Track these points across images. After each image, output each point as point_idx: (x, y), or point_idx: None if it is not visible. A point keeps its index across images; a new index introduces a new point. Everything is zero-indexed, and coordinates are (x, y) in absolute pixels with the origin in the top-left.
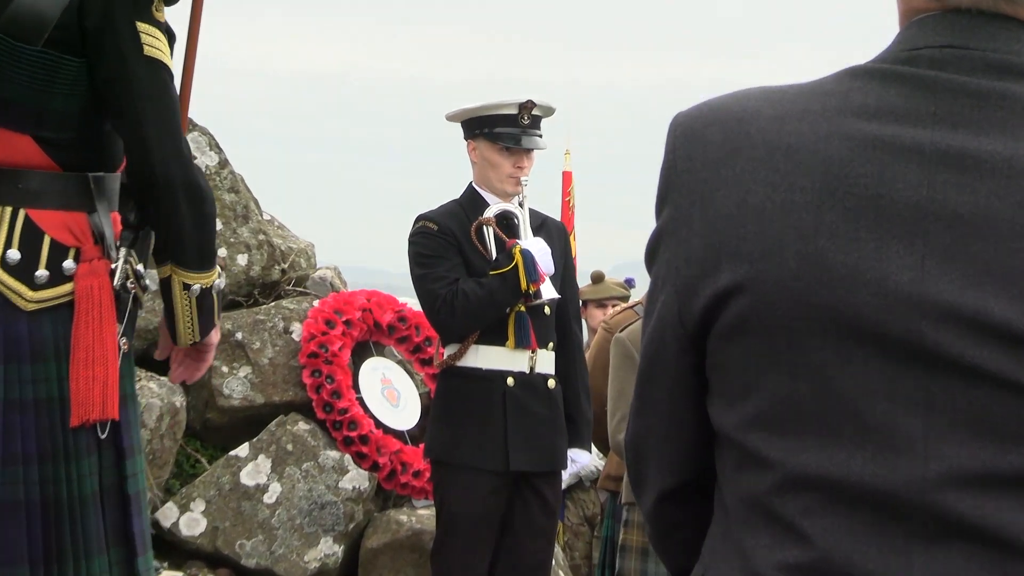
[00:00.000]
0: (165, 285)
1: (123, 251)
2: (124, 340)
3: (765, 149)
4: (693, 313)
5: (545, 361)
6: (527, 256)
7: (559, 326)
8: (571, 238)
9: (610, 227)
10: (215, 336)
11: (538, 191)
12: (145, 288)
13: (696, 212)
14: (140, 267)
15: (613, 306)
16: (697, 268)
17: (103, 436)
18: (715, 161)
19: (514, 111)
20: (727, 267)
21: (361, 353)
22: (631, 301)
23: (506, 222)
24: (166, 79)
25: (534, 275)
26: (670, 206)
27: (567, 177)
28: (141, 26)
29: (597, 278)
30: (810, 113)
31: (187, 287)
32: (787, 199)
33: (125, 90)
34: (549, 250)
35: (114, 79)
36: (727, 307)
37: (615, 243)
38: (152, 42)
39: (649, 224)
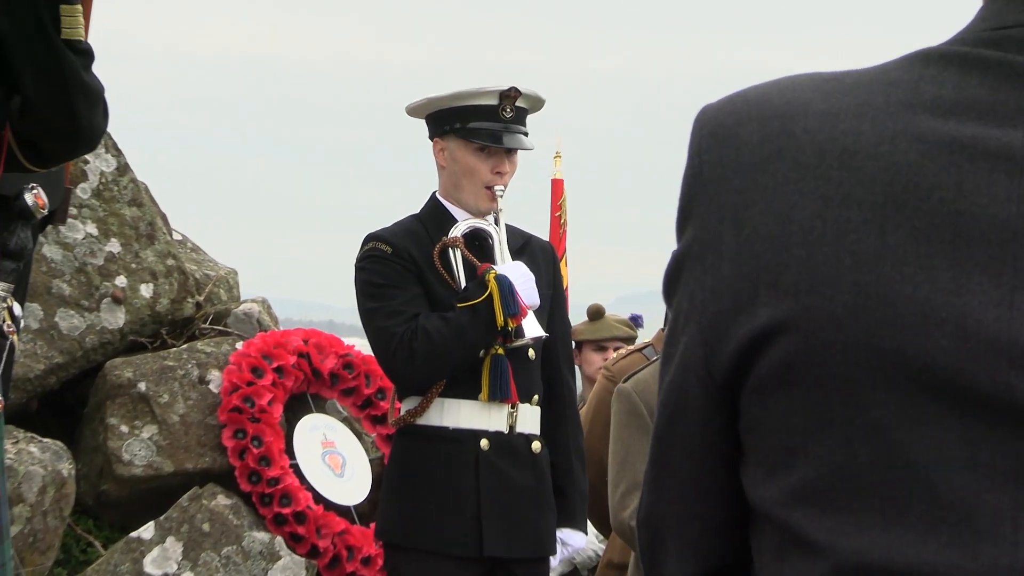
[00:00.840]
0: None
1: (2, 286)
2: None
3: (814, 153)
4: (723, 359)
5: (529, 418)
6: (504, 284)
7: (546, 374)
8: (562, 263)
9: (612, 249)
10: None
11: (520, 203)
12: (19, 328)
13: (727, 231)
14: (17, 307)
15: (615, 349)
16: (728, 302)
17: None
18: (751, 167)
19: (494, 101)
20: (766, 301)
21: (297, 408)
22: (638, 343)
23: (478, 243)
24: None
25: (514, 308)
26: (694, 223)
27: (557, 186)
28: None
29: (595, 314)
30: (871, 108)
31: None
32: (842, 216)
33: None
34: (533, 277)
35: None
36: (766, 352)
37: (618, 269)
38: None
39: (663, 245)
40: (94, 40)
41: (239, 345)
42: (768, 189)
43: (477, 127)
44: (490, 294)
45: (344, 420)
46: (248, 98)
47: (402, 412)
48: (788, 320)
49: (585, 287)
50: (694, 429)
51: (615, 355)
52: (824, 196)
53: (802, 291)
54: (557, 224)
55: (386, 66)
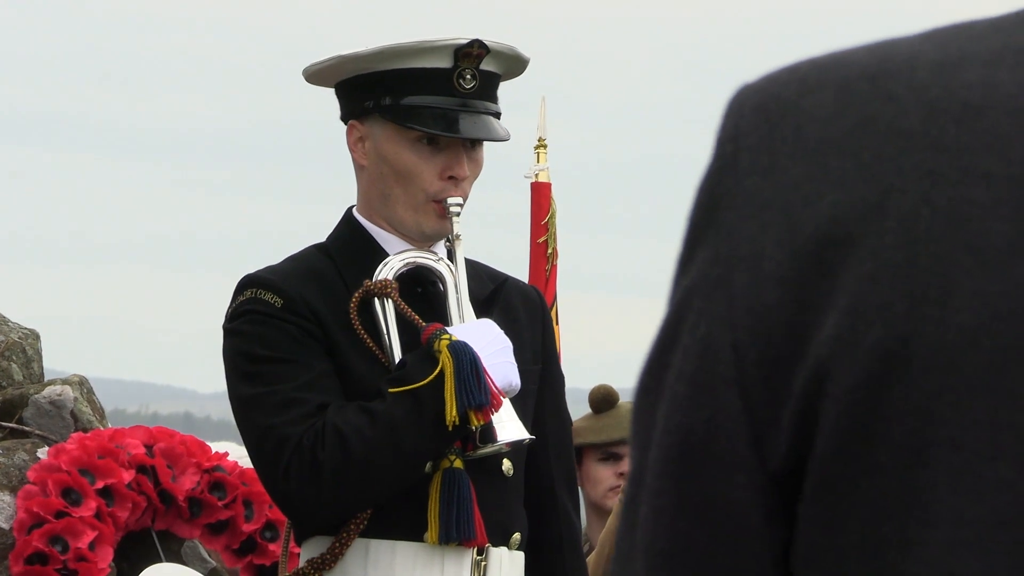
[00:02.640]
0: None
1: None
2: None
3: (922, 115)
4: (782, 429)
5: (506, 571)
6: (464, 358)
7: (534, 500)
8: (553, 318)
9: (629, 291)
10: None
11: (488, 223)
12: None
13: (771, 239)
14: None
15: None
16: (779, 345)
17: None
18: (820, 147)
19: (446, 63)
20: (841, 325)
21: (136, 555)
22: None
23: (422, 289)
24: None
25: (478, 396)
26: (717, 236)
27: (541, 193)
28: None
29: (603, 401)
30: (1011, 52)
31: None
32: (959, 196)
33: None
34: (509, 344)
35: None
36: (849, 402)
37: (641, 323)
38: None
39: None
40: None
41: (42, 453)
42: (848, 175)
43: (418, 104)
44: (441, 373)
45: (211, 573)
46: (58, 77)
47: (302, 563)
48: (888, 350)
49: (588, 355)
50: (742, 548)
51: None
52: (933, 172)
53: (900, 310)
54: (542, 254)
55: (254, 20)
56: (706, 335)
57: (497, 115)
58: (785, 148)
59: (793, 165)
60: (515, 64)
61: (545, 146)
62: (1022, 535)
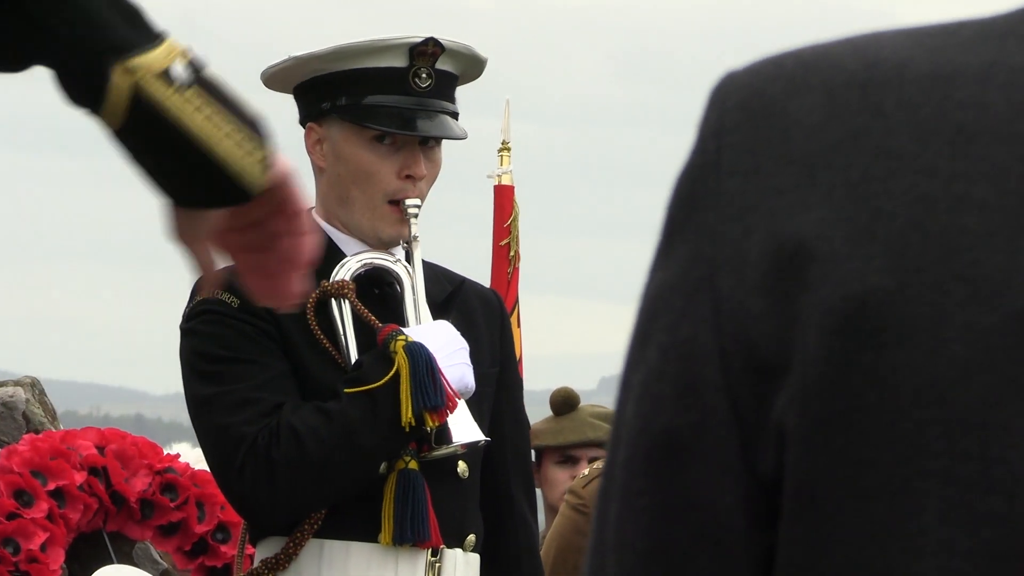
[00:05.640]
0: (132, 110)
1: None
2: None
3: (913, 134)
4: (770, 436)
5: (460, 571)
6: (420, 359)
7: (490, 502)
8: (513, 321)
9: (593, 299)
10: (282, 161)
11: (451, 225)
12: None
13: (755, 246)
14: None
15: (591, 462)
16: (759, 357)
17: None
18: (807, 158)
19: (401, 62)
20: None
21: (87, 555)
22: None
23: (379, 291)
24: None
25: (433, 397)
26: (695, 235)
27: (504, 196)
28: None
29: (564, 404)
30: (1003, 69)
31: (168, 75)
32: (953, 226)
33: None
34: (466, 346)
35: None
36: (838, 426)
37: (604, 330)
38: None
39: None
40: None
41: None
42: (835, 191)
43: (375, 104)
44: (396, 374)
45: (162, 574)
46: None
47: (255, 563)
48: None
49: (551, 361)
50: (727, 560)
51: (588, 471)
52: (925, 197)
53: (888, 341)
54: (504, 258)
55: (223, 5)
56: (691, 338)
57: (455, 115)
58: (770, 151)
59: (778, 171)
60: (472, 64)
61: (509, 149)
62: (1016, 568)
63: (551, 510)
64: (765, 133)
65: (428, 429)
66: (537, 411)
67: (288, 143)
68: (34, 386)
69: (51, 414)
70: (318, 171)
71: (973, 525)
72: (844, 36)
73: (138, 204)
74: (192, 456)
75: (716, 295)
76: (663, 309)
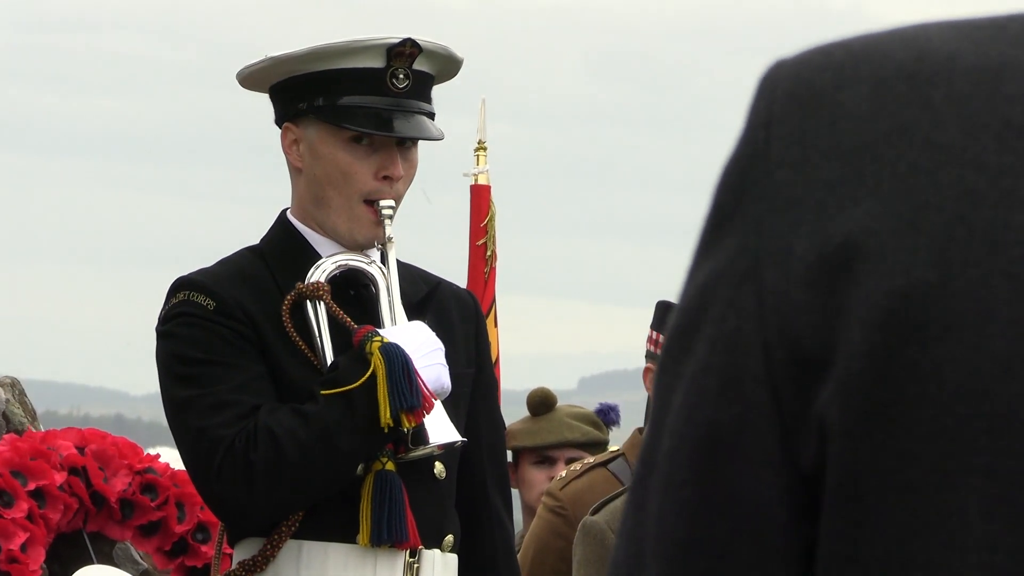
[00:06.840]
0: None
1: None
2: None
3: (961, 128)
4: (812, 429)
5: (438, 572)
6: (396, 360)
7: (467, 503)
8: (489, 321)
9: (572, 299)
10: None
11: (427, 225)
12: None
13: (802, 239)
14: None
15: (569, 462)
16: (810, 346)
17: None
18: (855, 150)
19: (378, 62)
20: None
21: (68, 556)
22: (608, 452)
23: (355, 292)
24: None
25: (410, 398)
26: (743, 226)
27: (481, 196)
28: None
29: (541, 404)
30: None
31: None
32: (1000, 222)
33: None
34: (441, 347)
35: None
36: (881, 419)
37: (585, 333)
38: None
39: (661, 291)
40: None
41: None
42: (882, 184)
43: (352, 104)
44: (372, 375)
45: (143, 575)
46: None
47: (234, 565)
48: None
49: (529, 361)
50: (767, 551)
51: (566, 473)
52: (972, 191)
53: (933, 336)
54: (480, 258)
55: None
56: (736, 330)
57: (431, 115)
58: (819, 143)
59: (826, 163)
60: (449, 64)
61: (485, 148)
62: None
63: (528, 511)
64: (813, 124)
65: (405, 430)
66: (514, 411)
67: (266, 143)
68: (14, 386)
69: (31, 414)
70: (294, 171)
71: (1015, 522)
72: (891, 27)
73: (119, 205)
74: (172, 456)
75: (760, 287)
76: (712, 300)
